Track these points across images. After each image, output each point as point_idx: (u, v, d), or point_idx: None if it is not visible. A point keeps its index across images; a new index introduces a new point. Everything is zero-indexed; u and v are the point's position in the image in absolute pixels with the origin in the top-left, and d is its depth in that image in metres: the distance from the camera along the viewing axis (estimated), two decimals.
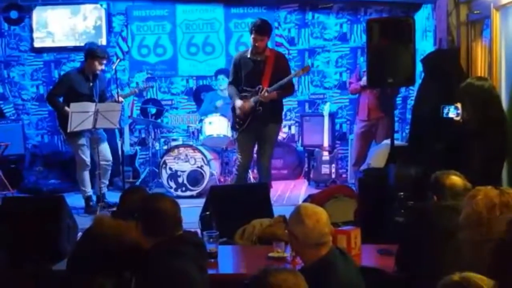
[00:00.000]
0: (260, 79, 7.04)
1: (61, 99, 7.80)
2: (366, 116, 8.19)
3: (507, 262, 2.40)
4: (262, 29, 6.99)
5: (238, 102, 7.12)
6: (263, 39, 7.02)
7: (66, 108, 7.55)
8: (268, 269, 2.52)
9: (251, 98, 7.05)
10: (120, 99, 7.91)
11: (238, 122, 7.19)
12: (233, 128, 7.57)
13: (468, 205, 2.70)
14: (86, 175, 7.89)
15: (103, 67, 7.90)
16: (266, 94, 6.96)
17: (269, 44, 9.60)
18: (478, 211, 2.63)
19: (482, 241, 2.58)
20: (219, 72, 9.49)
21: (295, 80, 9.65)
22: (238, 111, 7.14)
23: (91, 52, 7.79)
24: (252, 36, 7.00)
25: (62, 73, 9.95)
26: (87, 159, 7.82)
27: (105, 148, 7.97)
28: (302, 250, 3.28)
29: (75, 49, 9.86)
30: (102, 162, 7.85)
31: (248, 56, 7.13)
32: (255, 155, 7.55)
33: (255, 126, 7.11)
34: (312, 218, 3.20)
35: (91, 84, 7.78)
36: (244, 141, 7.24)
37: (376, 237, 4.63)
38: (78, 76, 7.80)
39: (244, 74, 7.15)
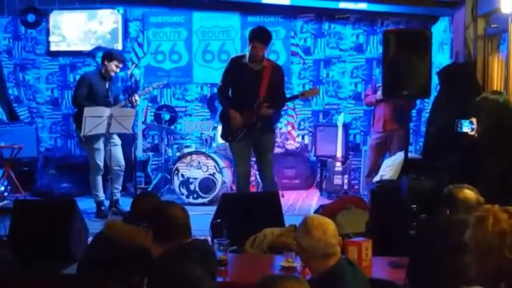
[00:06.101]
0: (258, 90, 6.84)
1: None
2: (381, 128, 8.14)
3: None
4: (264, 37, 6.83)
5: (233, 113, 6.92)
6: (263, 47, 6.84)
7: None
8: (274, 277, 2.52)
9: (247, 112, 6.86)
10: (136, 97, 7.94)
11: (232, 134, 7.03)
12: (223, 137, 7.33)
13: (477, 230, 2.61)
14: (99, 179, 7.93)
15: (118, 70, 7.96)
16: (265, 110, 6.82)
17: (284, 53, 9.69)
18: (488, 239, 2.55)
19: (494, 275, 2.54)
20: None
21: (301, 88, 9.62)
22: (232, 122, 6.93)
23: (109, 54, 7.87)
24: (252, 44, 6.80)
25: (77, 77, 10.00)
26: (101, 164, 7.85)
27: (118, 153, 7.99)
28: (310, 261, 3.27)
29: (91, 53, 9.89)
30: (115, 167, 7.90)
31: (246, 63, 6.92)
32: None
33: (251, 135, 6.95)
34: (319, 229, 3.19)
35: (107, 85, 7.85)
36: (241, 150, 7.11)
37: (388, 249, 4.60)
38: (96, 76, 7.88)
39: (239, 82, 6.95)
